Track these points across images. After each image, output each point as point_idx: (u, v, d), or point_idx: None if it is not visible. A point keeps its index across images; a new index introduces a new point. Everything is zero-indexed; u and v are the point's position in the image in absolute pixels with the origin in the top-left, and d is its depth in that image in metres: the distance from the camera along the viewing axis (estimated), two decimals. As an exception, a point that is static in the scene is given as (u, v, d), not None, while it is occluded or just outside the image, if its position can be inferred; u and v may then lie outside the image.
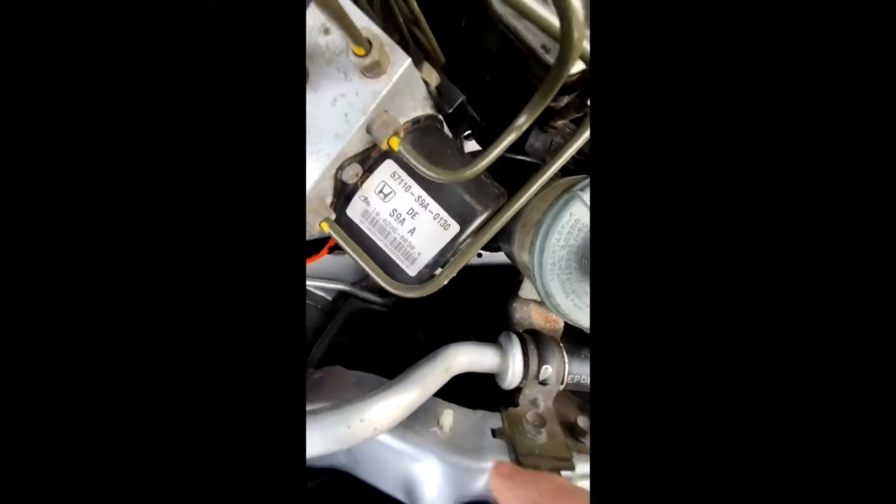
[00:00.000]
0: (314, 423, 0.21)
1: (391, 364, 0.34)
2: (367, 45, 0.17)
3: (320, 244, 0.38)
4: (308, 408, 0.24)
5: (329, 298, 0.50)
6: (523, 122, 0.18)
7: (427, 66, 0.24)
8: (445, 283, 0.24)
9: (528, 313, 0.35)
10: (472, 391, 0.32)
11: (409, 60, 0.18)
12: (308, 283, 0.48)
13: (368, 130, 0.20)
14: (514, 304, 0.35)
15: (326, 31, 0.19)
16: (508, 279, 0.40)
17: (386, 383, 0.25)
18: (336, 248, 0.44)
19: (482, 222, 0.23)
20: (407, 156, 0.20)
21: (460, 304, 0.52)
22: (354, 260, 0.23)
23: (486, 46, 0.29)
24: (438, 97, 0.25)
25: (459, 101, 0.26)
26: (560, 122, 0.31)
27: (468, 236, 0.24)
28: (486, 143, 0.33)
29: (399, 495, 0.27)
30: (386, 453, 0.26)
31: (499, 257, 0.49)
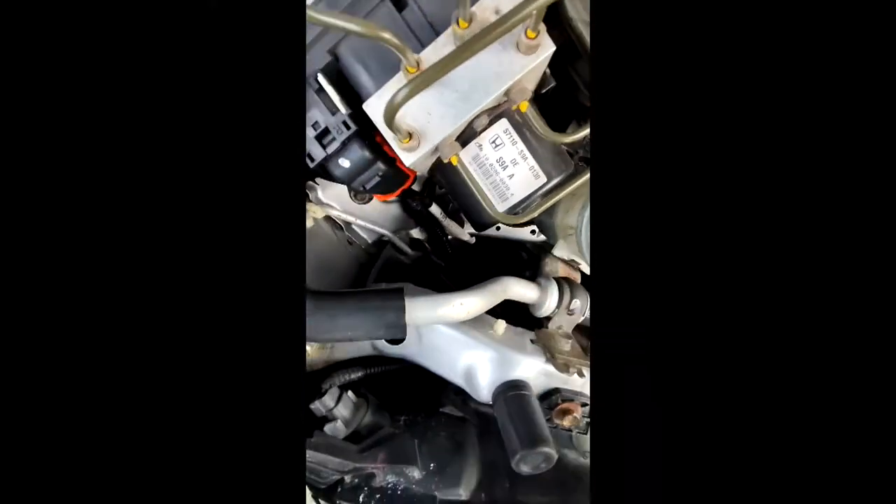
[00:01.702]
0: (428, 300, 0.29)
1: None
2: (538, 31, 0.24)
3: (397, 185, 0.44)
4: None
5: (369, 241, 0.56)
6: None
7: (543, 55, 0.31)
8: (527, 219, 0.32)
9: (556, 268, 0.44)
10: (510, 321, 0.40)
11: (553, 48, 0.26)
12: (355, 223, 0.54)
13: (506, 93, 0.27)
14: (546, 259, 0.44)
15: (496, 12, 0.26)
16: (515, 253, 0.50)
17: (465, 289, 0.32)
18: (404, 195, 0.50)
19: (561, 180, 0.32)
20: (531, 116, 0.28)
21: (468, 271, 0.60)
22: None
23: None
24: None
25: (551, 85, 0.34)
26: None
27: (551, 188, 0.32)
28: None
29: (456, 380, 0.34)
30: (453, 343, 0.33)
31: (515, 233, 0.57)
